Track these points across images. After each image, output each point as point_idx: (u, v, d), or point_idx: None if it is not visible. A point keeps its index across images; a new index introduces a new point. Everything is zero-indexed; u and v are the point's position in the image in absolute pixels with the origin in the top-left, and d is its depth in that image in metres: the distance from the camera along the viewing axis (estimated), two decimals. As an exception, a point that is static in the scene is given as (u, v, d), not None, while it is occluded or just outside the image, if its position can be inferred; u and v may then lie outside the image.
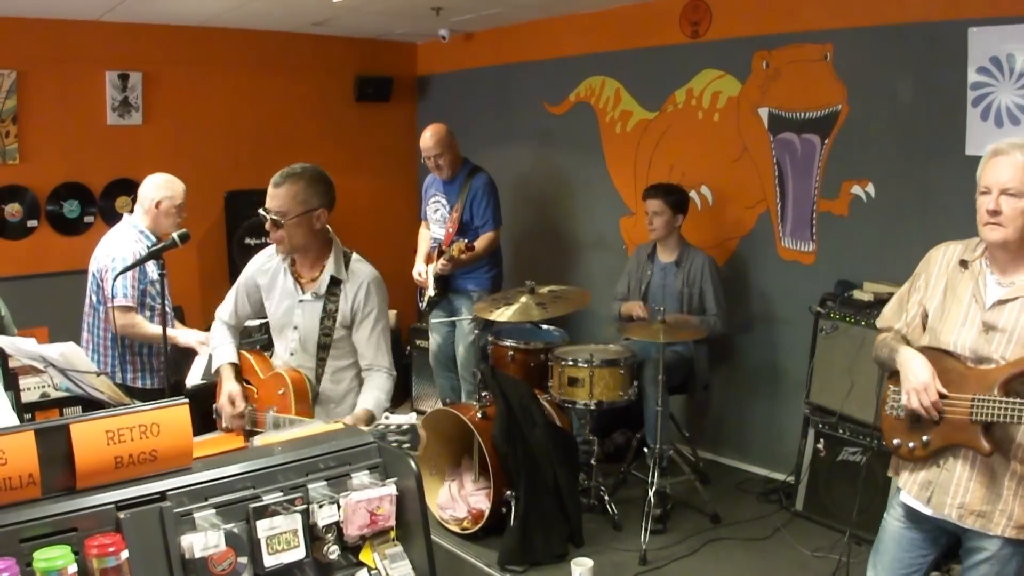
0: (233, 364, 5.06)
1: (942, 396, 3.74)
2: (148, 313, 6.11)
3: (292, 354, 4.97)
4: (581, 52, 9.15)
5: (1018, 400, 3.50)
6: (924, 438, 3.84)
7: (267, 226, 4.76)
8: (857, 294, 6.60)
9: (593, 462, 6.96)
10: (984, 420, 3.58)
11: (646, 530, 6.33)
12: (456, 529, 6.61)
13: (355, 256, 4.94)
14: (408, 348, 9.73)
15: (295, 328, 4.92)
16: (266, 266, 5.06)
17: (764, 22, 7.53)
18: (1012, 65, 6.08)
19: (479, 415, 6.47)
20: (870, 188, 6.95)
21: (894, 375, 4.03)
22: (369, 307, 4.79)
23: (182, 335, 6.29)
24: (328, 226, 4.88)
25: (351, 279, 4.82)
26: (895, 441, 3.99)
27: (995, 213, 3.59)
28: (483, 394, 6.67)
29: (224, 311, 5.24)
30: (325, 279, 4.82)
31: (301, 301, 4.90)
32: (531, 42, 9.65)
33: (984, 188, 3.66)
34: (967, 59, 6.30)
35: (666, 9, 8.24)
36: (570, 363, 6.81)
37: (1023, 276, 3.67)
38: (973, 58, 6.27)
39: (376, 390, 4.83)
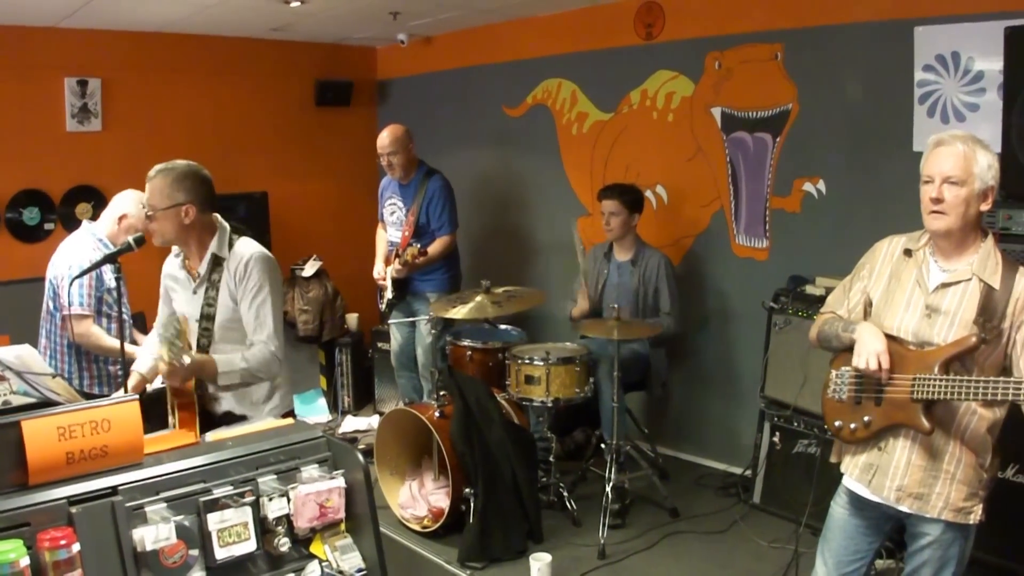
0: (140, 376, 5.30)
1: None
2: (106, 321, 6.12)
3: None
4: (538, 55, 9.22)
5: (958, 378, 3.60)
6: (866, 418, 3.94)
7: (143, 219, 4.93)
8: (809, 289, 6.67)
9: (552, 459, 7.01)
10: (925, 398, 3.68)
11: (604, 525, 6.38)
12: (417, 528, 6.62)
13: (245, 239, 4.99)
14: (370, 351, 9.77)
15: (197, 320, 5.01)
16: (168, 269, 5.22)
17: (716, 23, 7.62)
18: (957, 63, 6.19)
19: (437, 414, 6.48)
20: (821, 185, 7.05)
21: (836, 359, 4.13)
22: (252, 282, 4.82)
23: (140, 353, 6.29)
24: (216, 216, 4.97)
25: (233, 257, 4.88)
26: (836, 423, 4.08)
27: (938, 201, 3.69)
28: (441, 393, 6.69)
29: (157, 322, 5.37)
30: (207, 258, 4.91)
31: (195, 291, 5.00)
32: (488, 45, 9.72)
33: (927, 177, 3.76)
34: (913, 57, 6.40)
35: (620, 11, 8.32)
36: (527, 361, 6.88)
37: (965, 263, 3.77)
38: (919, 56, 6.38)
39: (240, 354, 4.83)
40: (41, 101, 8.77)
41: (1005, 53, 5.32)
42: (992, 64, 5.90)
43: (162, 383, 5.66)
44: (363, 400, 9.81)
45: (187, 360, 4.54)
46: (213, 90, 9.90)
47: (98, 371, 6.20)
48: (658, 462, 7.72)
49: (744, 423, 7.51)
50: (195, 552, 2.96)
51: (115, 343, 6.01)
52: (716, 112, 7.70)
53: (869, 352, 3.83)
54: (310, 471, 3.29)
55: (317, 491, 3.22)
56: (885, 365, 3.79)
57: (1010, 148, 5.15)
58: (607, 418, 6.97)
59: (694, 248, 8.05)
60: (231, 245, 4.93)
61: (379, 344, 9.52)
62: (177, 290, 5.15)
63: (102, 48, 8.99)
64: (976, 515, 3.82)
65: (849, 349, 3.99)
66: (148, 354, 5.43)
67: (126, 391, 5.13)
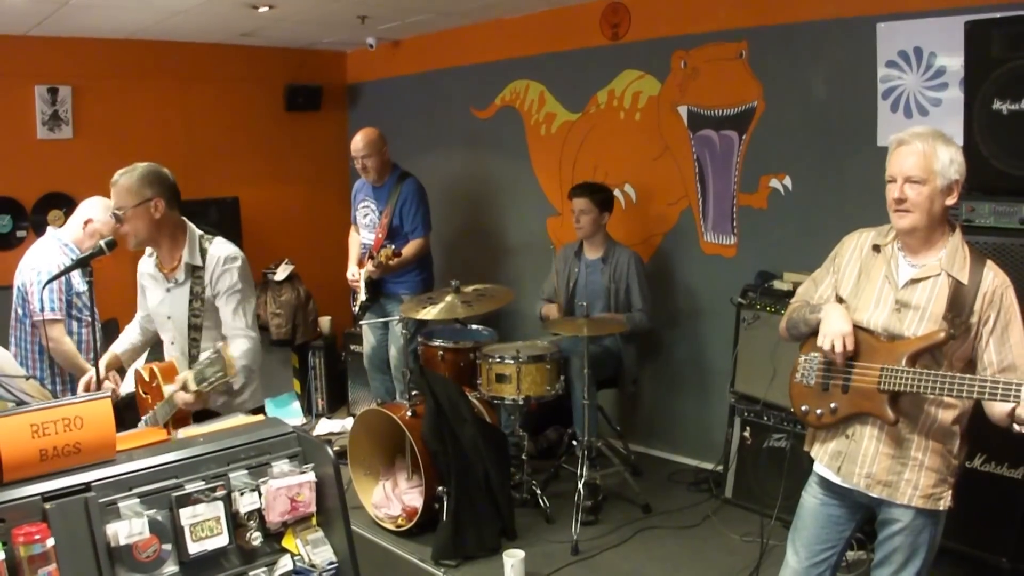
0: (114, 354, 5.39)
1: (851, 364, 3.89)
2: (76, 324, 6.14)
3: (172, 343, 5.21)
4: (505, 57, 9.27)
5: (925, 371, 3.64)
6: (832, 405, 3.98)
7: (114, 225, 5.05)
8: (777, 284, 6.74)
9: (524, 457, 7.04)
10: (891, 389, 3.72)
11: (577, 521, 6.41)
12: (391, 527, 6.65)
13: (216, 240, 5.09)
14: (343, 354, 9.80)
15: (168, 317, 5.14)
16: (142, 268, 5.32)
17: (681, 22, 7.68)
18: (919, 58, 6.26)
19: (409, 414, 6.51)
20: (787, 181, 7.12)
21: (805, 344, 4.18)
22: (227, 285, 4.97)
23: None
24: (183, 219, 5.08)
25: (208, 259, 4.99)
26: (803, 407, 4.11)
27: (901, 201, 3.73)
28: (413, 393, 6.72)
29: (139, 312, 5.52)
30: (183, 267, 5.01)
31: (168, 290, 5.10)
32: (456, 48, 9.76)
33: (890, 177, 3.79)
34: (876, 53, 6.47)
35: (587, 12, 8.37)
36: (497, 360, 6.90)
37: (933, 258, 3.81)
38: (882, 52, 6.45)
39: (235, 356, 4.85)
40: (11, 109, 8.78)
41: (966, 47, 5.36)
42: (954, 58, 5.97)
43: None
44: (337, 403, 9.84)
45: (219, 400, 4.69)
46: (183, 96, 9.91)
47: (70, 377, 6.20)
48: (630, 459, 7.77)
49: (715, 419, 7.56)
50: (168, 547, 3.00)
51: (80, 360, 6.05)
52: (683, 111, 7.76)
53: (834, 333, 3.89)
54: (281, 466, 3.33)
55: (288, 485, 3.26)
56: (849, 347, 3.85)
57: (972, 141, 5.19)
58: (579, 415, 7.02)
59: (663, 246, 8.11)
60: (204, 250, 5.02)
61: (352, 347, 9.54)
62: (149, 287, 5.26)
63: (72, 56, 9.00)
64: (945, 501, 3.86)
65: (817, 333, 4.03)
66: (125, 340, 5.49)
67: (98, 373, 5.16)
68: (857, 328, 3.93)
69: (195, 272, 4.98)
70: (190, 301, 4.99)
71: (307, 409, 9.61)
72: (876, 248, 4.01)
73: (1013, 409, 3.46)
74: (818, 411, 4.05)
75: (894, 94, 6.42)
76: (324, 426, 9.17)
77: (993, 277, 3.74)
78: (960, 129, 5.25)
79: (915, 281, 3.82)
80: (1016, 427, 3.52)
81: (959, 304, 3.72)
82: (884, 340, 3.86)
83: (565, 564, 6.19)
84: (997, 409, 3.58)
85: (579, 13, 8.45)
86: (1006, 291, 3.73)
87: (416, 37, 10.11)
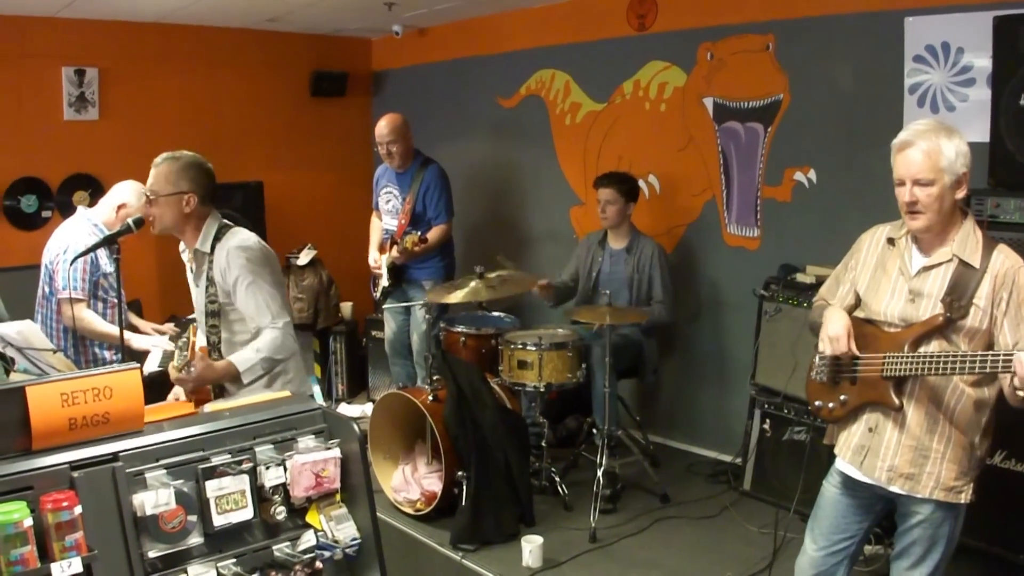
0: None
1: (857, 357, 3.95)
2: (102, 305, 6.17)
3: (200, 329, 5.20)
4: (531, 46, 9.27)
5: (925, 355, 3.70)
6: (842, 397, 4.06)
7: (144, 204, 5.06)
8: (800, 277, 6.72)
9: (544, 444, 7.03)
10: (894, 375, 3.79)
11: (596, 510, 6.42)
12: (410, 511, 6.65)
13: (233, 231, 5.02)
14: (364, 339, 9.84)
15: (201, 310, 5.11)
16: (184, 258, 5.25)
17: (708, 14, 7.67)
18: (947, 53, 6.23)
19: (430, 398, 6.50)
20: (812, 174, 7.10)
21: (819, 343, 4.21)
22: (234, 273, 4.85)
23: (136, 339, 6.33)
24: (215, 212, 5.04)
25: (217, 253, 4.91)
26: (817, 403, 4.20)
27: (913, 203, 3.76)
28: (434, 378, 6.72)
29: None
30: (195, 254, 5.01)
31: (197, 285, 5.09)
32: (483, 37, 9.77)
33: (898, 180, 3.84)
34: (904, 48, 6.45)
35: (613, 2, 8.37)
36: (519, 346, 6.91)
37: (946, 248, 3.83)
38: (909, 47, 6.42)
39: (252, 346, 4.87)
40: (39, 90, 8.81)
41: (994, 42, 5.38)
42: (981, 54, 5.94)
43: (158, 367, 5.74)
44: (357, 388, 9.88)
45: (193, 370, 4.59)
46: (210, 80, 9.94)
47: (93, 356, 6.24)
48: (649, 449, 7.76)
49: (735, 410, 7.55)
50: (193, 518, 3.04)
51: (109, 328, 6.07)
52: (708, 102, 7.76)
53: (827, 336, 4.01)
54: (306, 441, 3.35)
55: (313, 461, 3.29)
56: (842, 348, 3.95)
57: (998, 137, 5.21)
58: (599, 404, 7.02)
59: (686, 237, 8.10)
60: (218, 238, 4.96)
61: (373, 332, 9.58)
62: (190, 281, 5.23)
63: (100, 38, 9.04)
64: (967, 495, 3.88)
65: None
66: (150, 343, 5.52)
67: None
68: (864, 322, 4.02)
69: (204, 259, 4.95)
70: (206, 287, 4.97)
71: (327, 394, 9.64)
72: (891, 241, 4.06)
73: (1011, 380, 3.48)
74: (830, 405, 4.14)
75: (920, 89, 6.40)
76: (344, 411, 9.18)
77: (1004, 259, 3.76)
78: (987, 125, 5.26)
79: (926, 269, 3.86)
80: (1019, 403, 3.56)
81: (961, 286, 3.75)
82: (889, 329, 3.94)
83: (583, 551, 6.18)
84: (1007, 387, 3.61)
85: (606, 3, 8.46)
86: (1019, 271, 3.74)
87: (442, 25, 10.14)
